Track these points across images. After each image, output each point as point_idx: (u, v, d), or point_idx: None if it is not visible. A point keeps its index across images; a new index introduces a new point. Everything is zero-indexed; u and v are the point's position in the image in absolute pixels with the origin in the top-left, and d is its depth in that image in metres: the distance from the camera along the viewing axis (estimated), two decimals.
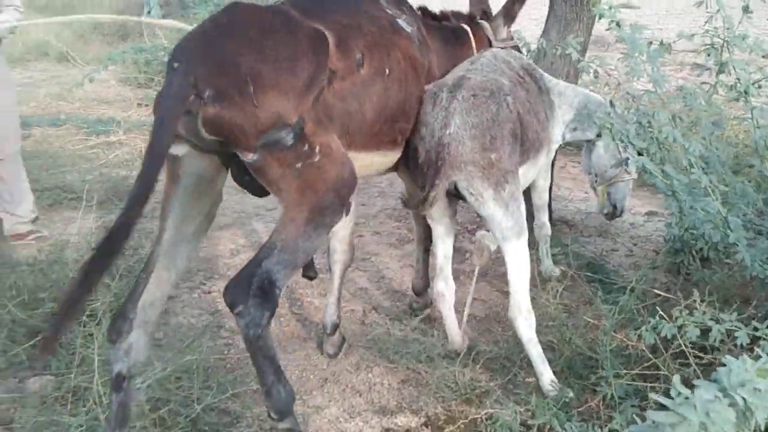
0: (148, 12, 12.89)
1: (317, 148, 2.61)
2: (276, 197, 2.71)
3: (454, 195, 3.19)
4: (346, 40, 2.87)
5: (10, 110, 4.82)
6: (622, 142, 3.02)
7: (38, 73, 10.87)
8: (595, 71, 3.61)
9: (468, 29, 3.84)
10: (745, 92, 3.23)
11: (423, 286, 4.04)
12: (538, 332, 3.35)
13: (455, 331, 3.42)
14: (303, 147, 2.57)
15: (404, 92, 3.13)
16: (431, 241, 3.81)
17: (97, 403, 2.89)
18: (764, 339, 2.78)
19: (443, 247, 3.40)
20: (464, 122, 3.00)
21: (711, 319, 2.86)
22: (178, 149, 2.59)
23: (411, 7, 3.47)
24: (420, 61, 3.27)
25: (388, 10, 3.28)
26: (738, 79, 3.18)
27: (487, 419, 2.97)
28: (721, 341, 2.85)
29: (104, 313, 3.33)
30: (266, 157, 2.54)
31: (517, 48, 4.02)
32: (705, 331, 2.87)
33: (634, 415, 2.78)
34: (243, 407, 3.13)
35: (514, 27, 4.11)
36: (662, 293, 3.33)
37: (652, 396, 1.90)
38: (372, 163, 3.20)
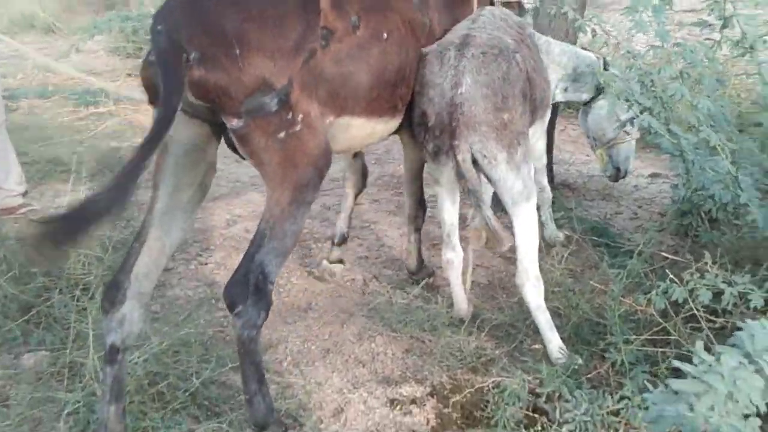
0: None
1: (299, 117, 2.54)
2: (259, 172, 2.65)
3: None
4: (341, 1, 2.77)
5: None
6: (627, 101, 2.91)
7: (25, 45, 10.65)
8: (593, 30, 3.49)
9: None
10: (751, 47, 3.12)
11: (417, 266, 3.95)
12: (545, 298, 3.28)
13: (461, 298, 3.35)
14: (287, 114, 2.50)
15: (403, 57, 3.03)
16: (423, 220, 3.78)
17: (94, 378, 2.82)
18: None
19: (450, 214, 3.31)
20: (475, 81, 2.87)
21: (723, 282, 2.78)
22: (195, 110, 2.56)
23: None
24: (420, 23, 3.16)
25: None
26: (745, 33, 3.07)
27: (494, 387, 2.89)
28: (734, 305, 2.77)
29: (97, 286, 3.26)
30: (250, 124, 2.47)
31: (520, 5, 3.89)
32: (716, 294, 2.81)
33: (645, 381, 2.72)
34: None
35: None
36: (670, 256, 3.24)
37: (671, 362, 1.82)
38: (374, 130, 3.12)
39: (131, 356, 2.83)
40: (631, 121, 3.75)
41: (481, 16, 3.25)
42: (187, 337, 3.15)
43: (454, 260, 3.23)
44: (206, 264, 4.19)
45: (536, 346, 3.23)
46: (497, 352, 3.21)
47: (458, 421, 2.86)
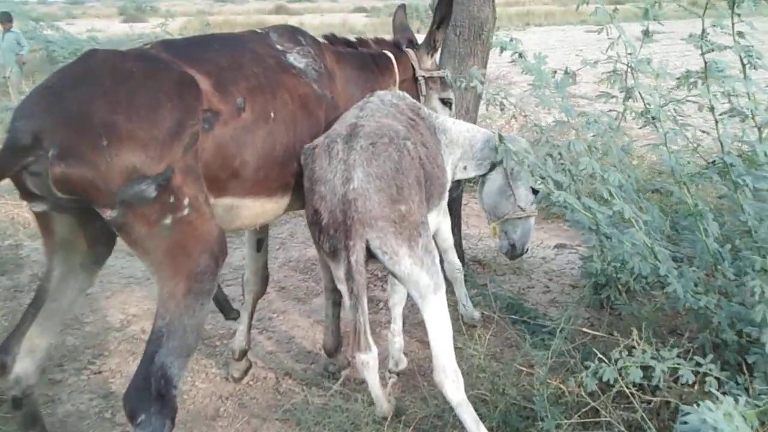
0: (6, 77, 12.32)
1: (186, 201, 2.42)
2: (145, 264, 2.49)
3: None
4: (225, 83, 2.70)
5: None
6: (542, 178, 2.85)
7: None
8: (501, 103, 3.47)
9: (391, 56, 3.68)
10: (653, 117, 3.15)
11: (335, 345, 3.73)
12: (470, 385, 3.13)
13: (382, 398, 3.12)
14: (168, 199, 2.38)
15: (293, 134, 2.94)
16: (341, 294, 3.55)
17: None
18: (709, 374, 2.65)
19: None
20: (367, 174, 2.69)
21: (652, 358, 2.70)
22: (39, 206, 2.45)
23: (311, 37, 3.28)
24: (313, 97, 3.08)
25: (277, 46, 3.11)
26: (648, 104, 3.09)
27: None
28: (664, 380, 2.69)
29: None
30: (127, 214, 2.34)
31: (443, 78, 3.84)
32: (644, 369, 2.73)
33: None
34: None
35: None
36: (593, 332, 3.16)
37: None
38: (264, 210, 2.99)
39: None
40: (528, 196, 3.66)
41: (368, 103, 3.14)
42: None
43: (369, 361, 2.88)
44: (100, 372, 3.82)
45: None
46: None
47: None
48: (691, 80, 2.85)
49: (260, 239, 3.62)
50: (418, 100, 3.74)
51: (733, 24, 2.79)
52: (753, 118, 2.94)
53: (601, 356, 2.77)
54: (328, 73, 3.20)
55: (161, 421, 2.37)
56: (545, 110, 3.17)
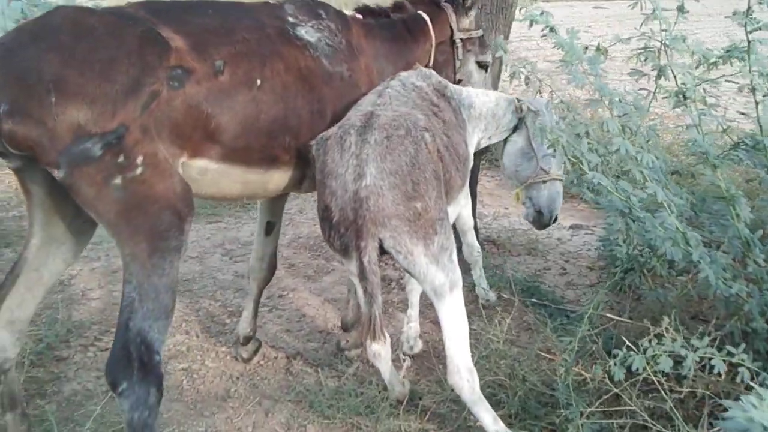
0: None
1: (139, 159, 2.33)
2: (103, 226, 2.41)
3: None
4: (205, 45, 2.60)
5: None
6: (575, 158, 2.73)
7: None
8: (526, 77, 3.34)
9: (426, 17, 3.49)
10: (685, 98, 3.03)
11: (353, 321, 3.63)
12: (488, 370, 3.04)
13: (396, 381, 3.03)
14: (116, 158, 2.29)
15: (285, 106, 2.81)
16: None
17: None
18: (741, 364, 2.56)
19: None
20: (381, 170, 2.54)
21: (683, 347, 2.61)
22: (12, 162, 2.45)
23: (334, 12, 3.14)
24: (319, 72, 2.94)
25: (288, 18, 2.98)
26: (683, 84, 2.97)
27: None
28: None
29: None
30: (73, 173, 2.27)
31: (481, 38, 3.66)
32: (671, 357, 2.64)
33: None
34: None
35: None
36: (618, 318, 3.06)
37: None
38: (247, 180, 2.86)
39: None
40: (547, 158, 3.53)
41: (388, 89, 2.99)
42: None
43: (381, 352, 2.76)
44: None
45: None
46: None
47: None
48: (734, 57, 2.71)
49: (270, 222, 3.50)
50: (454, 64, 3.60)
51: None
52: None
53: (629, 344, 2.68)
54: (350, 49, 3.06)
55: (145, 389, 2.32)
56: (573, 87, 3.02)
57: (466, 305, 2.73)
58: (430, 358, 3.58)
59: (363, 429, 2.97)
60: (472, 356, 2.74)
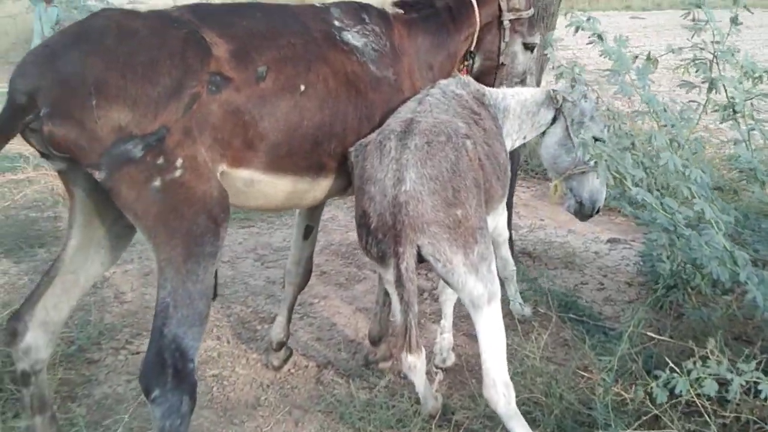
0: None
1: (178, 162, 2.32)
2: (139, 230, 2.39)
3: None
4: (248, 49, 2.57)
5: None
6: (618, 173, 2.64)
7: None
8: (573, 80, 3.26)
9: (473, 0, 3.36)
10: (735, 112, 2.94)
11: (381, 334, 3.56)
12: (523, 387, 2.97)
13: (429, 395, 2.96)
14: (156, 159, 2.28)
15: (330, 112, 2.76)
16: None
17: None
18: None
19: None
20: (421, 175, 2.49)
21: (728, 370, 2.51)
22: (55, 165, 2.47)
23: (377, 13, 3.10)
24: (366, 78, 2.90)
25: (335, 22, 2.94)
26: (732, 98, 2.88)
27: None
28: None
29: None
30: (114, 174, 2.26)
31: (532, 19, 3.54)
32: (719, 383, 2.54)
33: None
34: None
35: None
36: (661, 337, 2.97)
37: None
38: (294, 189, 2.82)
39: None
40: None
41: (428, 96, 2.93)
42: None
43: (416, 364, 2.69)
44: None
45: None
46: None
47: None
48: None
49: (309, 226, 3.46)
50: (499, 47, 3.49)
51: None
52: None
53: (672, 365, 2.59)
54: (394, 51, 3.02)
55: (178, 397, 2.29)
56: (617, 98, 2.95)
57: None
58: (463, 371, 3.50)
59: None
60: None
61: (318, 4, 3.06)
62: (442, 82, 3.13)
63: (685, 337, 3.21)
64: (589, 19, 2.91)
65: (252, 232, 5.62)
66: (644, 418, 2.65)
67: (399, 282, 2.46)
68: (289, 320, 3.56)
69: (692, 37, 2.93)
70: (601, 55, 2.86)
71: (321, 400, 3.26)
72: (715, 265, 2.68)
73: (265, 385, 3.44)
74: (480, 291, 2.57)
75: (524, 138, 3.50)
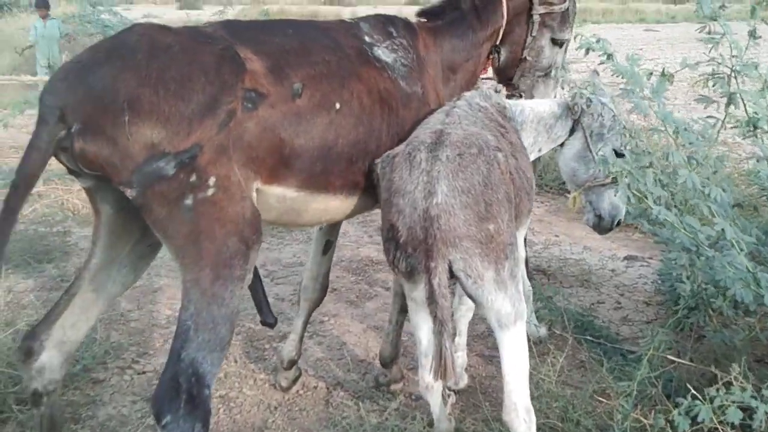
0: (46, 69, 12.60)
1: (211, 180, 2.27)
2: (168, 250, 2.34)
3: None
4: (283, 66, 2.52)
5: None
6: (639, 192, 2.55)
7: None
8: (588, 99, 3.18)
9: None
10: (755, 127, 2.85)
11: (392, 356, 3.46)
12: (539, 412, 2.87)
13: (443, 417, 2.87)
14: (189, 177, 2.24)
15: (365, 130, 2.71)
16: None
17: None
18: None
19: (426, 333, 2.70)
20: (453, 188, 2.40)
21: (752, 397, 2.41)
22: (84, 182, 2.44)
23: (403, 26, 3.04)
24: (398, 94, 2.86)
25: (365, 38, 2.89)
26: (755, 113, 2.79)
27: None
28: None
29: None
30: (146, 192, 2.22)
31: (565, 14, 3.41)
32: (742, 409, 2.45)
33: None
34: None
35: None
36: (682, 361, 2.87)
37: None
38: (327, 207, 2.77)
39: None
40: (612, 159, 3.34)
41: (455, 108, 2.85)
42: None
43: (433, 384, 2.66)
44: (144, 372, 3.65)
45: None
46: None
47: None
48: None
49: (329, 241, 3.41)
50: (524, 41, 3.39)
51: None
52: None
53: (693, 391, 2.49)
54: (420, 64, 2.97)
55: (191, 424, 2.21)
56: (635, 114, 2.87)
57: None
58: (476, 394, 3.41)
59: None
60: None
61: (347, 20, 3.03)
62: (467, 94, 3.04)
63: (706, 360, 3.12)
64: (598, 40, 2.83)
65: (261, 248, 5.53)
66: None
67: (432, 298, 2.36)
68: (301, 338, 3.49)
69: (710, 52, 2.85)
70: (613, 75, 2.78)
71: (330, 423, 3.17)
72: (739, 287, 2.59)
73: (273, 407, 3.36)
74: (508, 309, 2.46)
75: (539, 151, 3.42)
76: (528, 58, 3.43)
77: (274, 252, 5.47)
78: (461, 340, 3.47)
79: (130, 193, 2.22)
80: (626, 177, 2.51)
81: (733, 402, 2.40)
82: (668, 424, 2.54)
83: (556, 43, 3.48)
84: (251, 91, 2.41)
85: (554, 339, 3.70)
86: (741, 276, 2.55)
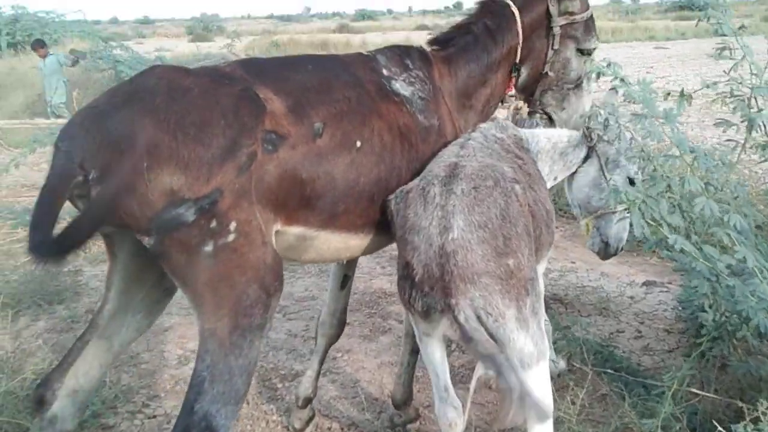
0: (53, 112, 12.74)
1: (232, 225, 2.20)
2: (187, 297, 2.27)
3: None
4: (304, 105, 2.46)
5: None
6: (654, 221, 2.47)
7: None
8: (606, 120, 3.11)
9: (515, 9, 3.14)
10: None
11: (405, 398, 3.36)
12: None
13: None
14: (209, 223, 2.17)
15: (386, 167, 2.65)
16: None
17: None
18: None
19: (443, 366, 2.63)
20: (469, 222, 2.32)
21: None
22: (102, 229, 2.29)
23: (419, 56, 2.97)
24: (417, 129, 2.79)
25: (383, 71, 2.83)
26: None
27: None
28: None
29: None
30: (164, 240, 2.15)
31: (589, 22, 3.29)
32: None
33: None
34: None
35: None
36: (709, 394, 2.76)
37: None
38: (348, 246, 2.70)
39: None
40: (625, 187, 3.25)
41: (470, 140, 2.78)
42: None
43: (457, 420, 2.54)
44: (154, 417, 3.57)
45: None
46: None
47: None
48: None
49: (346, 276, 3.34)
50: (545, 55, 3.27)
51: None
52: None
53: (720, 428, 2.39)
54: (436, 96, 2.90)
55: None
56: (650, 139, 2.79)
57: None
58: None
59: None
60: None
61: (364, 53, 2.96)
62: (483, 125, 2.97)
63: (731, 391, 3.01)
64: (609, 65, 2.77)
65: None
66: None
67: (465, 337, 2.26)
68: (318, 375, 3.42)
69: (729, 72, 2.77)
70: (624, 100, 2.71)
71: None
72: (762, 316, 2.49)
73: None
74: (530, 349, 2.35)
75: (555, 179, 3.34)
76: (550, 73, 3.31)
77: (286, 286, 5.35)
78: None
79: (147, 241, 2.16)
80: (640, 206, 2.42)
81: None
82: None
83: (583, 53, 3.34)
84: (271, 133, 2.36)
85: (574, 372, 3.59)
86: (764, 306, 2.46)
